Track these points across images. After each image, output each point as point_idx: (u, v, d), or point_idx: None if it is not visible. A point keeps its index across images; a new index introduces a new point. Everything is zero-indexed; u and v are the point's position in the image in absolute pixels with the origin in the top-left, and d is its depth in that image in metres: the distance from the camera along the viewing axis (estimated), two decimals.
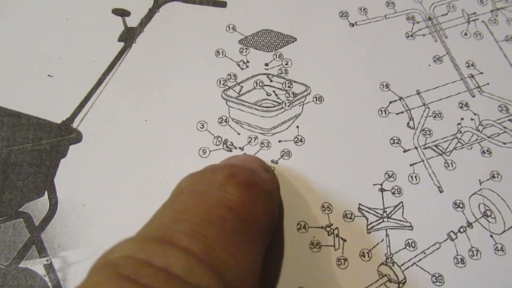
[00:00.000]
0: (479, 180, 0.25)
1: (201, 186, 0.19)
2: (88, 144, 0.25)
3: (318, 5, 0.29)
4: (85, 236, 0.23)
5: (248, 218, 0.18)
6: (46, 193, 0.24)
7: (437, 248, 0.24)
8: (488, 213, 0.24)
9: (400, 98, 0.27)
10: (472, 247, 0.24)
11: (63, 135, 0.25)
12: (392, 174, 0.25)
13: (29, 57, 0.26)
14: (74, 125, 0.25)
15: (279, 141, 0.26)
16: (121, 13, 0.28)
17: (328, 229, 0.24)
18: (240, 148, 0.25)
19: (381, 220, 0.24)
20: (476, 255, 0.24)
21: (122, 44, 0.27)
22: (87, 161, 0.24)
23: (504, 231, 0.24)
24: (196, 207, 0.17)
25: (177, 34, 0.28)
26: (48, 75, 0.26)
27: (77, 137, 0.25)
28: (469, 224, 0.24)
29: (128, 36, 0.27)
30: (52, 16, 0.27)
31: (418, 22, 0.29)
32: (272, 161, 0.25)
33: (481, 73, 0.28)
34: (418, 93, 0.27)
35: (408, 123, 0.26)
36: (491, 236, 0.24)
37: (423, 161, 0.26)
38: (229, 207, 0.18)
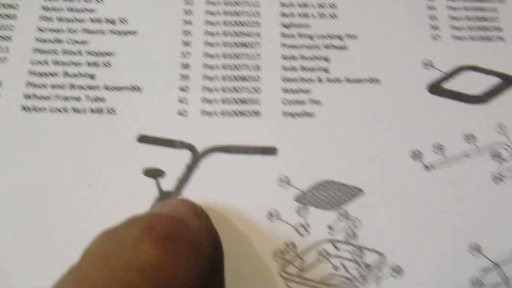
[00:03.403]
0: None
1: (110, 245, 0.16)
2: None
3: (386, 144, 0.24)
4: None
5: (165, 280, 0.16)
6: None
7: None
8: None
9: (496, 265, 0.22)
10: None
11: None
12: None
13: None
14: None
15: None
16: (154, 174, 0.23)
17: None
18: None
19: None
20: None
21: None
22: None
23: None
24: (98, 273, 0.15)
25: (221, 194, 0.23)
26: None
27: None
28: None
29: None
30: (71, 184, 0.23)
31: (506, 160, 0.24)
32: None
33: None
34: None
35: None
36: None
37: None
38: (141, 269, 0.15)
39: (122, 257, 0.16)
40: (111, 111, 0.24)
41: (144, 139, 0.24)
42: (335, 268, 0.22)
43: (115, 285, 0.15)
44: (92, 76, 0.25)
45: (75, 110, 0.24)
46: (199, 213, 0.20)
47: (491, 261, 0.22)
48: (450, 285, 0.22)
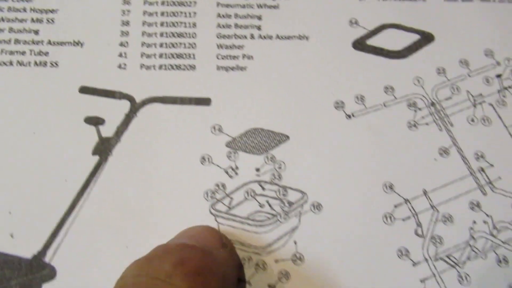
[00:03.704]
0: None
1: (145, 279, 0.17)
2: (63, 280, 0.22)
3: (311, 95, 0.26)
4: None
5: None
6: None
7: None
8: None
9: (406, 201, 0.25)
10: None
11: (34, 272, 0.22)
12: None
13: None
14: (47, 259, 0.22)
15: (276, 261, 0.23)
16: (95, 122, 0.25)
17: None
18: None
19: None
20: None
21: (97, 158, 0.24)
22: None
23: None
24: None
25: (157, 141, 0.25)
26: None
27: (51, 274, 0.22)
28: None
29: (103, 148, 0.24)
30: (16, 130, 0.24)
31: (420, 109, 0.27)
32: (269, 285, 0.23)
33: (492, 165, 0.26)
34: (425, 193, 0.25)
35: (416, 231, 0.24)
36: None
37: (434, 275, 0.23)
38: None
39: None
40: (54, 64, 0.26)
41: (85, 90, 0.25)
42: (261, 205, 0.24)
43: None
44: (36, 32, 0.26)
45: (20, 63, 0.26)
46: (225, 244, 0.21)
47: (402, 197, 0.25)
48: (365, 219, 0.24)
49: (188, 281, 0.17)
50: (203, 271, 0.18)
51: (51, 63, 0.26)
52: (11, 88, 0.25)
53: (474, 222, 0.24)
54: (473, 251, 0.24)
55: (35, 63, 0.26)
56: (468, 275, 0.23)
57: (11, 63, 0.26)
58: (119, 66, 0.26)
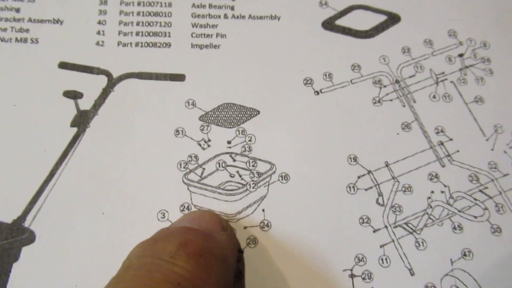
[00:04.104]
0: (451, 260, 0.25)
1: (150, 259, 0.18)
2: (42, 244, 0.23)
3: (282, 72, 0.28)
4: None
5: None
6: None
7: None
8: None
9: (369, 172, 0.26)
10: None
11: (14, 236, 0.23)
12: (362, 258, 0.24)
13: None
14: (26, 224, 0.24)
15: (245, 228, 0.25)
16: (73, 95, 0.26)
17: None
18: None
19: None
20: None
21: (75, 129, 0.25)
22: (42, 264, 0.23)
23: None
24: (142, 285, 0.17)
25: (133, 114, 0.26)
26: None
27: (30, 238, 0.23)
28: None
29: (81, 121, 0.26)
30: None
31: (385, 86, 0.28)
32: (238, 250, 0.24)
33: (451, 139, 0.27)
34: (387, 165, 0.26)
35: (377, 200, 0.26)
36: None
37: (393, 241, 0.25)
38: (178, 283, 0.17)
39: (161, 271, 0.18)
40: (35, 41, 0.27)
41: (64, 65, 0.27)
42: (232, 175, 0.26)
43: None
44: (17, 10, 0.27)
45: (2, 39, 0.27)
46: (225, 228, 0.22)
47: (365, 169, 0.26)
48: (330, 189, 0.26)
49: (191, 262, 0.18)
50: (205, 253, 0.19)
51: (31, 40, 0.27)
52: None
53: (432, 192, 0.26)
54: (430, 218, 0.25)
55: (16, 39, 0.27)
56: (424, 240, 0.25)
57: None
58: (97, 43, 0.27)
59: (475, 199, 0.26)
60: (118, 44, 0.27)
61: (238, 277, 0.23)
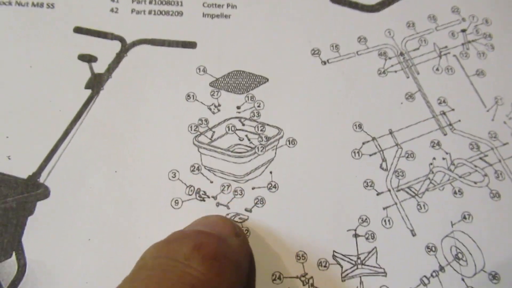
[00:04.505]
0: (451, 222, 0.25)
1: (164, 260, 0.19)
2: (56, 199, 0.24)
3: (290, 43, 0.28)
4: None
5: None
6: (13, 254, 0.23)
7: None
8: (460, 256, 0.25)
9: (373, 139, 0.27)
10: None
11: (30, 191, 0.24)
12: (366, 219, 0.25)
13: None
14: (41, 179, 0.24)
15: (253, 188, 0.25)
16: (88, 59, 0.27)
17: (303, 278, 0.24)
18: (213, 197, 0.25)
19: (355, 267, 0.24)
20: None
21: (89, 91, 0.26)
22: (56, 218, 0.24)
23: (475, 274, 0.25)
24: (157, 285, 0.17)
25: (146, 78, 0.27)
26: (12, 127, 0.25)
27: (45, 193, 0.24)
28: (441, 268, 0.24)
29: (95, 83, 0.26)
30: (14, 64, 0.26)
31: (390, 58, 0.29)
32: (246, 209, 0.25)
33: (453, 109, 0.28)
34: (391, 132, 0.27)
35: (381, 165, 0.26)
36: (463, 279, 0.24)
37: (396, 204, 0.26)
38: (192, 284, 0.17)
39: (176, 272, 0.18)
40: (51, 5, 0.28)
41: (79, 30, 0.27)
42: (240, 139, 0.27)
43: None
44: None
45: (19, 3, 0.27)
46: (238, 233, 0.22)
47: (370, 135, 0.27)
48: (335, 153, 0.26)
49: (205, 264, 0.18)
50: (219, 256, 0.19)
51: (47, 5, 0.28)
52: (10, 25, 0.27)
53: (434, 158, 0.27)
54: (432, 183, 0.26)
55: (33, 4, 0.27)
56: (426, 204, 0.26)
57: (10, 3, 0.27)
58: (112, 10, 0.28)
59: (475, 166, 0.27)
60: (132, 11, 0.28)
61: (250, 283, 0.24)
